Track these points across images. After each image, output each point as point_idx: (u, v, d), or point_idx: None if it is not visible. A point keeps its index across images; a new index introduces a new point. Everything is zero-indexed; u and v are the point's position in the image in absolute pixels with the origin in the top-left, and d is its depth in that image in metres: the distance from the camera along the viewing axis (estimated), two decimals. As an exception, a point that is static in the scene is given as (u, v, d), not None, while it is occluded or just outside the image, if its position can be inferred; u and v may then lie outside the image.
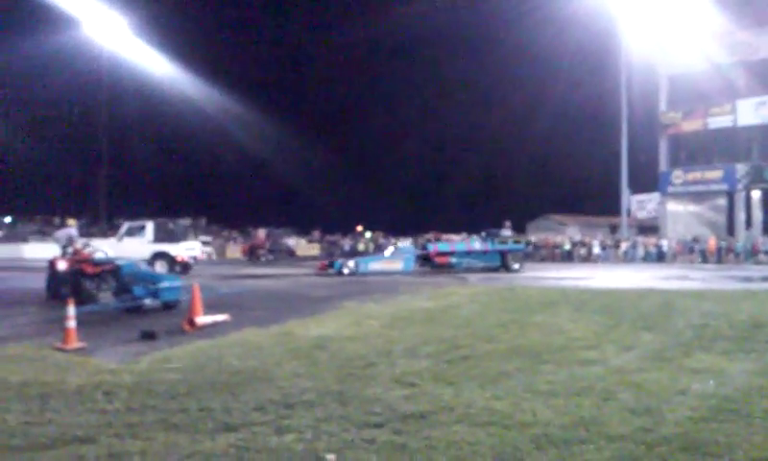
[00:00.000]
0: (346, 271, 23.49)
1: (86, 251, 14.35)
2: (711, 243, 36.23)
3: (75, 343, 8.13)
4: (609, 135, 43.52)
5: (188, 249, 24.26)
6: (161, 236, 23.81)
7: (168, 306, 12.07)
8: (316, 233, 45.98)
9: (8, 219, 46.14)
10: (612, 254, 37.73)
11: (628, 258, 36.86)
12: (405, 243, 29.38)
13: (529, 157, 63.76)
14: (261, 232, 40.94)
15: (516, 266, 25.18)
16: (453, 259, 24.98)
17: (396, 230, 47.32)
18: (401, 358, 7.27)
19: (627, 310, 11.43)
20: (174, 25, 52.52)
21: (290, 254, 39.99)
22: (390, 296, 14.35)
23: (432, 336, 8.72)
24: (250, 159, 63.61)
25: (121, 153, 51.62)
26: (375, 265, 24.38)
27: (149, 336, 8.84)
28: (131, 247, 22.25)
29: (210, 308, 10.59)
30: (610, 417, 4.91)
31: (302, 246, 42.09)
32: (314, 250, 41.62)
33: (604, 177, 47.37)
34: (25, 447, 4.38)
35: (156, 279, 12.49)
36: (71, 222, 15.40)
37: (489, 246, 26.00)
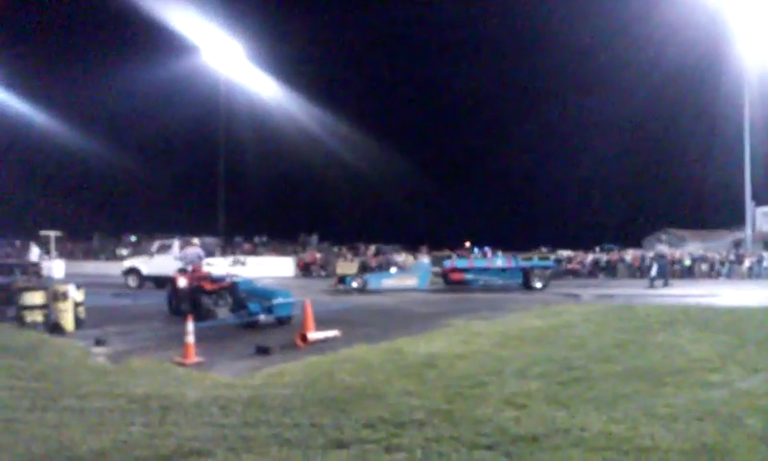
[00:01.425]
0: (355, 285, 22.90)
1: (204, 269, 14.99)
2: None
3: (194, 357, 8.48)
4: (731, 145, 41.27)
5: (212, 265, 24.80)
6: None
7: (281, 322, 12.42)
8: (423, 249, 45.99)
9: (133, 238, 48.95)
10: (735, 270, 35.65)
11: (753, 275, 34.70)
12: (425, 260, 28.11)
13: (645, 168, 61.38)
14: (314, 249, 42.01)
15: (539, 285, 23.72)
16: (469, 276, 24.04)
17: (505, 244, 46.77)
18: (512, 378, 7.12)
19: (754, 330, 10.73)
20: (285, 51, 54.20)
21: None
22: (498, 313, 14.11)
23: (543, 356, 8.48)
24: (359, 179, 64.79)
25: (237, 174, 53.80)
26: (388, 281, 23.64)
27: (263, 351, 9.10)
28: (161, 262, 23.79)
29: (321, 324, 10.76)
30: (736, 444, 4.63)
31: (410, 262, 42.36)
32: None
33: (726, 188, 44.96)
34: (147, 458, 4.58)
35: (270, 295, 12.86)
36: (195, 241, 16.18)
37: (512, 263, 24.87)
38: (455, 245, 48.22)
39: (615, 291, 22.91)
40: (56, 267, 29.59)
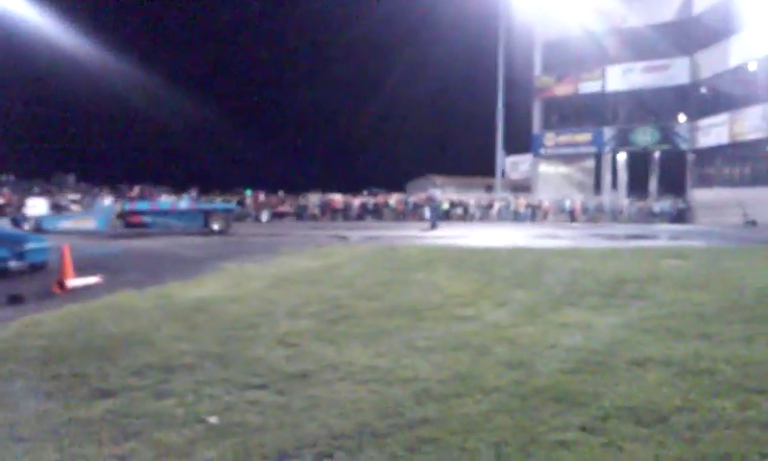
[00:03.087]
0: (27, 226, 22.42)
1: None
2: (576, 205, 38.39)
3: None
4: (486, 98, 44.78)
5: None
6: None
7: (35, 268, 11.45)
8: (193, 193, 44.76)
9: None
10: (486, 214, 39.11)
11: (501, 217, 38.34)
12: (107, 201, 28.16)
13: (405, 119, 64.54)
14: (8, 191, 40.11)
15: (216, 227, 24.33)
16: (148, 219, 24.14)
17: (282, 186, 46.95)
18: (284, 319, 7.25)
19: (501, 268, 11.88)
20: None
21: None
22: (271, 256, 14.23)
23: (314, 296, 8.74)
24: (126, 113, 60.76)
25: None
26: (65, 223, 23.21)
27: (16, 300, 8.37)
28: None
29: (82, 270, 10.12)
30: (486, 371, 5.12)
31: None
32: (286, 207, 40.62)
33: (480, 139, 48.87)
34: None
35: (21, 239, 11.78)
36: None
37: (195, 206, 25.55)
38: (229, 188, 47.54)
39: (382, 233, 24.11)
40: None
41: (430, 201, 29.60)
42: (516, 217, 38.30)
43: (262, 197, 40.37)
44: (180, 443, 3.74)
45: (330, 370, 5.18)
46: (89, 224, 22.88)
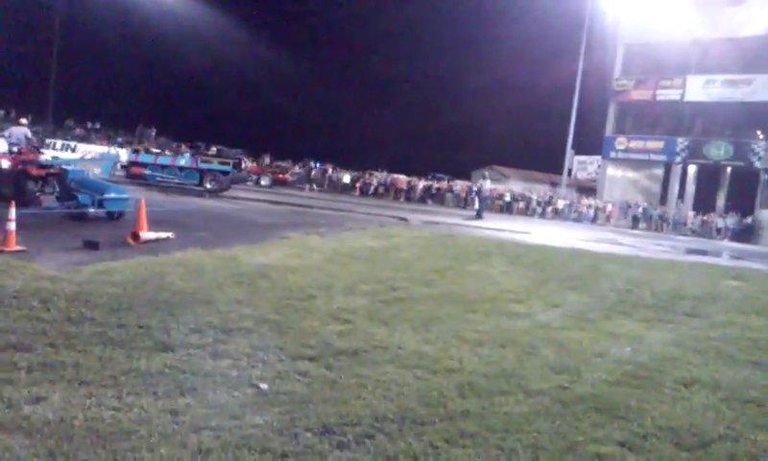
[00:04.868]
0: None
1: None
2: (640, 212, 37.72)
3: (14, 245, 8.02)
4: (561, 95, 44.02)
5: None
6: None
7: (112, 217, 11.95)
8: (267, 158, 45.70)
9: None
10: (548, 211, 38.65)
11: (563, 216, 37.84)
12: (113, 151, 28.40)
13: (478, 108, 63.83)
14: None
15: (209, 186, 24.41)
16: (147, 171, 24.44)
17: (348, 163, 47.33)
18: (339, 294, 7.45)
19: (557, 268, 11.83)
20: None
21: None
22: (335, 231, 14.46)
23: (371, 275, 8.92)
24: (213, 72, 61.88)
25: (75, 53, 49.67)
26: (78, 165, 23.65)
27: (91, 246, 8.75)
28: None
29: (155, 224, 10.51)
30: (531, 371, 5.20)
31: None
32: (288, 175, 41.49)
33: (550, 135, 48.12)
34: (-43, 349, 4.36)
35: (102, 188, 12.28)
36: (23, 121, 15.00)
37: (193, 164, 25.44)
38: (299, 158, 48.24)
39: (441, 219, 24.14)
40: None
41: (478, 190, 29.48)
42: (579, 217, 37.76)
43: (252, 163, 40.47)
44: (230, 404, 3.95)
45: (379, 350, 5.34)
46: (96, 169, 23.02)
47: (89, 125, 45.48)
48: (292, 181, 39.96)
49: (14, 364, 4.19)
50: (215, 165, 25.72)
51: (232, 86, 64.38)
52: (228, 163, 25.52)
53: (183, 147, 29.35)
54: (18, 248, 8.02)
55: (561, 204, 39.31)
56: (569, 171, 46.45)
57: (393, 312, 6.81)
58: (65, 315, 5.35)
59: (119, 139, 41.36)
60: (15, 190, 12.00)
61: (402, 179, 42.70)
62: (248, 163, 34.62)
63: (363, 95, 68.41)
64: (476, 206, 28.41)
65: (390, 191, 40.85)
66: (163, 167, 24.75)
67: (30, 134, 14.93)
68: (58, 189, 12.54)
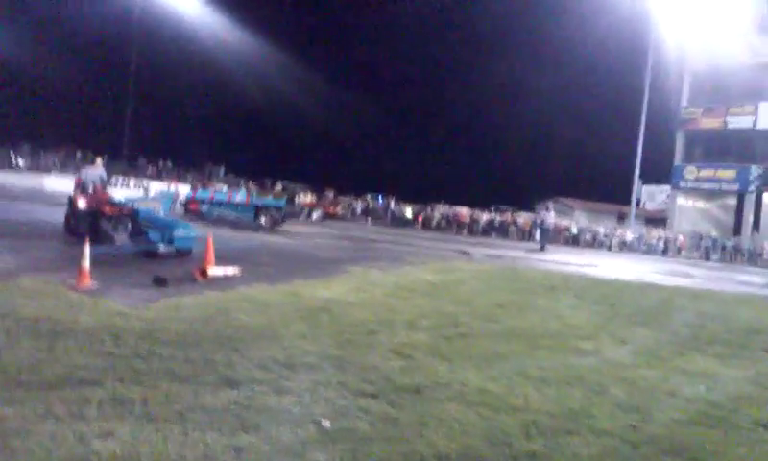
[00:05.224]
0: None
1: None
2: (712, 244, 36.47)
3: (88, 282, 8.30)
4: (627, 125, 43.26)
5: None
6: None
7: (181, 254, 12.28)
8: (330, 193, 46.26)
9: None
10: (616, 243, 37.77)
11: (632, 248, 36.91)
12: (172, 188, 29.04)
13: (542, 138, 63.29)
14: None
15: (264, 221, 24.50)
16: (204, 208, 24.74)
17: (410, 196, 47.50)
18: (401, 329, 7.43)
19: (626, 303, 11.55)
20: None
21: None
22: (396, 265, 14.48)
23: (432, 310, 8.88)
24: (278, 110, 63.38)
25: (149, 92, 51.70)
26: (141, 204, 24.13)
27: (161, 282, 8.99)
28: None
29: (222, 260, 10.73)
30: (599, 411, 5.06)
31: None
32: (339, 209, 42.01)
33: (616, 165, 47.22)
34: (33, 384, 4.51)
35: (171, 225, 12.67)
36: (98, 161, 15.75)
37: (248, 200, 25.76)
38: (362, 192, 48.69)
39: (504, 252, 23.88)
40: None
41: (541, 223, 29.05)
42: (648, 249, 36.76)
43: (312, 197, 40.84)
44: (293, 442, 3.97)
45: (442, 387, 5.28)
46: (157, 206, 23.94)
47: (161, 164, 47.12)
48: (344, 214, 40.14)
49: (86, 399, 4.29)
50: (269, 201, 26.36)
51: (297, 123, 65.75)
52: (282, 199, 26.09)
53: (251, 184, 30.00)
54: (92, 285, 8.30)
55: (629, 235, 38.39)
56: (637, 201, 45.38)
57: (455, 348, 6.75)
58: (134, 351, 5.48)
59: (189, 177, 42.62)
60: (90, 229, 12.49)
61: (464, 211, 42.46)
62: (301, 198, 35.21)
63: (426, 128, 68.82)
64: (538, 238, 28.08)
65: (452, 224, 40.68)
66: (219, 204, 25.30)
67: (104, 175, 15.53)
68: (130, 227, 12.98)
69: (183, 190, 27.93)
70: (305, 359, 5.72)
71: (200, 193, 26.57)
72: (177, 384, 4.76)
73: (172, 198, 24.70)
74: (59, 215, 14.87)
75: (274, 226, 24.60)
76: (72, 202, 14.21)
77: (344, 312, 8.09)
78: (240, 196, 26.16)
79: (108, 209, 13.32)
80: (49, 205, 22.82)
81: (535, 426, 4.55)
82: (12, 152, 44.20)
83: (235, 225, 23.37)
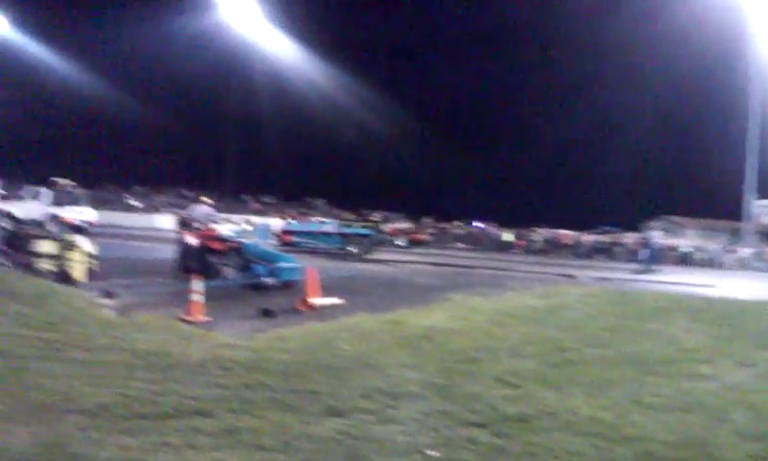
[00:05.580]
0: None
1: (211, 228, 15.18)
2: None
3: (199, 316, 8.67)
4: (735, 137, 41.19)
5: (78, 213, 27.18)
6: (54, 201, 27.32)
7: (286, 286, 12.63)
8: (427, 220, 46.42)
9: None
10: (731, 261, 35.83)
11: (749, 266, 34.89)
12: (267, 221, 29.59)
13: (646, 155, 60.96)
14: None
15: (353, 249, 25.25)
16: (296, 238, 25.22)
17: (509, 221, 47.01)
18: (505, 357, 7.28)
19: (746, 324, 10.88)
20: (302, 8, 54.05)
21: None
22: (497, 291, 14.28)
23: (537, 336, 8.67)
24: (372, 142, 64.58)
25: (249, 132, 53.94)
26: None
27: (267, 314, 9.30)
28: (31, 208, 26.07)
29: (324, 291, 10.93)
30: (720, 439, 4.76)
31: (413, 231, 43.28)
32: (425, 235, 42.28)
33: (726, 180, 44.87)
34: (150, 414, 4.70)
35: (275, 258, 13.09)
36: (206, 200, 16.80)
37: (336, 230, 26.58)
38: (458, 216, 48.62)
39: (611, 275, 23.11)
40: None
41: (646, 243, 27.80)
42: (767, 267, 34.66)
43: (399, 224, 40.61)
44: (400, 472, 3.94)
45: (550, 416, 5.12)
46: (254, 239, 24.80)
47: (264, 199, 48.84)
48: (429, 240, 39.98)
49: (198, 429, 4.43)
50: (356, 229, 27.29)
51: (390, 155, 66.45)
52: (369, 227, 26.72)
53: (349, 215, 30.79)
54: (203, 318, 8.65)
55: (745, 252, 36.36)
56: (751, 216, 42.93)
57: (563, 375, 6.54)
58: (243, 381, 5.63)
59: (291, 211, 43.90)
60: (200, 264, 13.05)
61: (567, 234, 41.54)
62: (387, 226, 35.64)
63: (525, 153, 67.94)
64: (644, 258, 26.98)
65: (554, 248, 39.83)
66: (309, 234, 26.31)
67: (212, 212, 16.21)
68: (237, 262, 13.46)
69: (278, 223, 28.92)
70: (408, 388, 5.69)
71: (292, 225, 27.79)
72: (284, 414, 4.84)
73: (266, 230, 25.72)
74: (169, 252, 15.59)
75: (362, 254, 25.28)
76: (182, 239, 14.89)
77: (446, 340, 8.03)
78: (329, 226, 27.29)
79: (215, 245, 13.88)
80: (160, 242, 24.03)
81: (651, 457, 4.34)
82: (125, 193, 47.09)
83: (326, 254, 23.91)
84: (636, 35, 50.54)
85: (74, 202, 28.59)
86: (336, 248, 25.66)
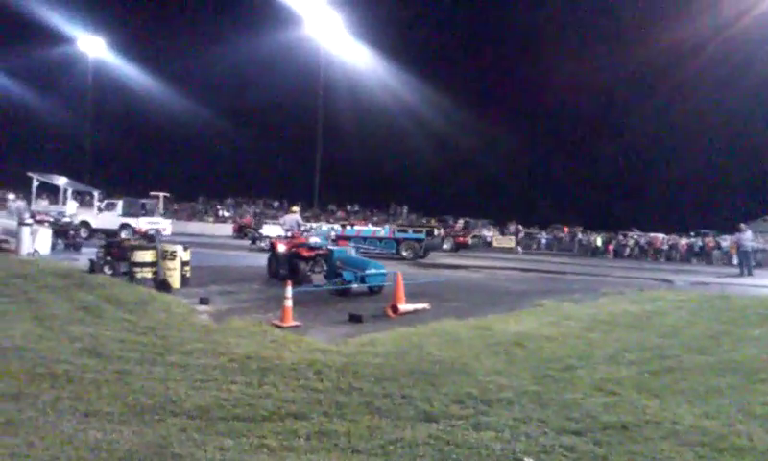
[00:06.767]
0: (262, 244, 26.42)
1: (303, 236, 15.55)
2: None
3: (291, 321, 8.83)
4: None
5: (150, 223, 29.13)
6: (128, 212, 29.51)
7: (373, 291, 12.74)
8: (512, 226, 45.78)
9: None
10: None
11: None
12: (325, 226, 30.81)
13: (744, 155, 58.12)
14: (249, 214, 46.64)
15: (406, 254, 25.80)
16: (351, 243, 24.30)
17: (595, 225, 45.90)
18: (602, 364, 7.07)
19: None
20: (386, 22, 54.79)
21: (486, 244, 40.84)
22: (590, 296, 13.90)
23: (635, 343, 8.37)
24: (454, 152, 64.63)
25: (334, 143, 54.98)
26: None
27: (356, 319, 9.38)
28: (106, 218, 29.26)
29: (411, 297, 10.93)
30: (840, 452, 4.46)
31: (498, 238, 42.81)
32: (510, 242, 41.79)
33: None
34: (246, 417, 4.81)
35: (363, 264, 13.19)
36: (295, 208, 17.46)
37: (391, 235, 27.07)
38: (547, 223, 47.82)
39: (709, 279, 22.11)
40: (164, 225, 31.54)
41: (739, 245, 26.17)
42: None
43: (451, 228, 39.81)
44: (498, 478, 3.86)
45: (652, 425, 4.92)
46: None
47: (349, 207, 49.59)
48: (474, 243, 39.21)
49: (294, 432, 4.50)
50: (410, 234, 27.73)
51: (474, 163, 66.08)
52: (422, 232, 27.19)
53: (434, 221, 31.00)
54: (294, 323, 8.80)
55: None
56: None
57: (663, 383, 6.29)
58: (336, 385, 5.69)
59: (374, 218, 44.34)
60: (290, 271, 13.34)
61: (661, 237, 40.07)
62: (442, 229, 35.40)
63: (616, 157, 66.18)
64: (736, 262, 25.73)
65: (647, 252, 38.49)
66: (365, 239, 26.87)
67: (300, 221, 16.58)
68: (325, 268, 13.67)
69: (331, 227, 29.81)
70: (502, 394, 5.59)
71: (348, 230, 28.59)
72: (377, 418, 4.86)
73: (326, 235, 26.32)
74: (261, 260, 15.97)
75: (415, 257, 26.02)
76: (273, 247, 15.26)
77: (538, 346, 7.86)
78: (384, 231, 28.13)
79: (305, 252, 14.15)
80: (251, 250, 24.76)
81: (764, 469, 4.09)
82: (218, 205, 48.79)
83: (380, 258, 24.09)
84: (732, 35, 48.44)
85: (148, 213, 30.49)
86: (390, 252, 26.34)
